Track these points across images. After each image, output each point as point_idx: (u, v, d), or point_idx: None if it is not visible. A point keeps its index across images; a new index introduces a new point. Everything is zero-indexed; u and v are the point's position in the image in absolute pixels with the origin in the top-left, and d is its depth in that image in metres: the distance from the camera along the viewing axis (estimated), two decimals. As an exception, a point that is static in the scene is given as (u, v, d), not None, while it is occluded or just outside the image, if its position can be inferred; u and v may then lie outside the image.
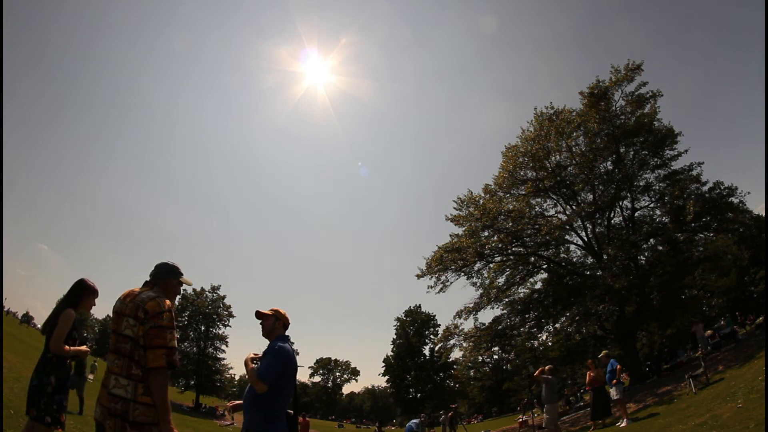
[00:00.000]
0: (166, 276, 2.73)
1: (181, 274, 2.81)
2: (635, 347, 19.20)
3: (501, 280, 20.28)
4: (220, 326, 42.90)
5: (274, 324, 3.16)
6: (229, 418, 23.87)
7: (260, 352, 3.13)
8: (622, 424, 9.48)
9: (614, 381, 10.12)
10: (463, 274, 19.70)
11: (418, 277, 20.08)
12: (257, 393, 2.86)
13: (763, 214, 23.65)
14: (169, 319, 2.46)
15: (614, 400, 10.38)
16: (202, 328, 41.99)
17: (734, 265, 26.14)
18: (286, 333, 3.23)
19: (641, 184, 18.74)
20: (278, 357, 2.92)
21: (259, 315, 3.22)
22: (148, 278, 2.81)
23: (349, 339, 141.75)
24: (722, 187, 16.89)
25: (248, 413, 2.92)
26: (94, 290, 3.65)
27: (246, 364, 3.03)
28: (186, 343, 40.51)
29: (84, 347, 3.61)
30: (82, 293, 3.56)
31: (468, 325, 20.95)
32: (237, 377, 58.15)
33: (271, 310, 3.23)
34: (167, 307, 2.50)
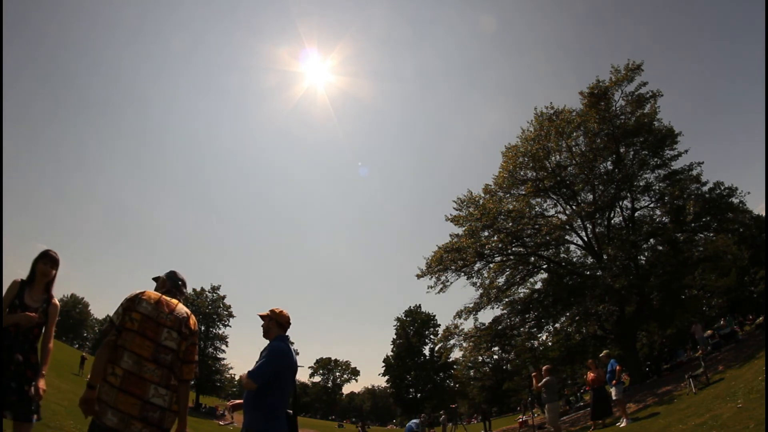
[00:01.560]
0: (182, 286, 2.90)
1: None
2: (635, 347, 19.20)
3: (501, 280, 20.29)
4: (220, 326, 43.03)
5: (269, 324, 3.17)
6: (229, 418, 23.90)
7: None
8: (622, 424, 9.48)
9: (614, 381, 10.13)
10: (463, 274, 19.70)
11: (418, 277, 20.10)
12: (253, 392, 2.87)
13: (763, 214, 23.68)
14: (198, 335, 2.66)
15: (614, 400, 10.39)
16: (202, 328, 42.01)
17: (734, 265, 26.13)
18: (286, 333, 3.24)
19: (641, 184, 18.74)
20: (270, 355, 2.93)
21: (261, 317, 3.28)
22: (159, 280, 2.90)
23: (349, 339, 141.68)
24: (722, 188, 16.90)
25: (248, 413, 2.93)
26: (44, 255, 3.11)
27: (241, 379, 3.03)
28: (186, 343, 40.57)
29: (29, 314, 2.91)
30: (34, 261, 3.11)
31: (468, 325, 20.96)
32: (237, 377, 58.13)
33: (269, 310, 3.24)
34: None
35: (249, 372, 2.83)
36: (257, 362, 2.93)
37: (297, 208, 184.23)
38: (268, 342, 3.14)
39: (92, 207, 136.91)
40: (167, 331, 2.49)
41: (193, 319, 2.61)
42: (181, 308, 2.64)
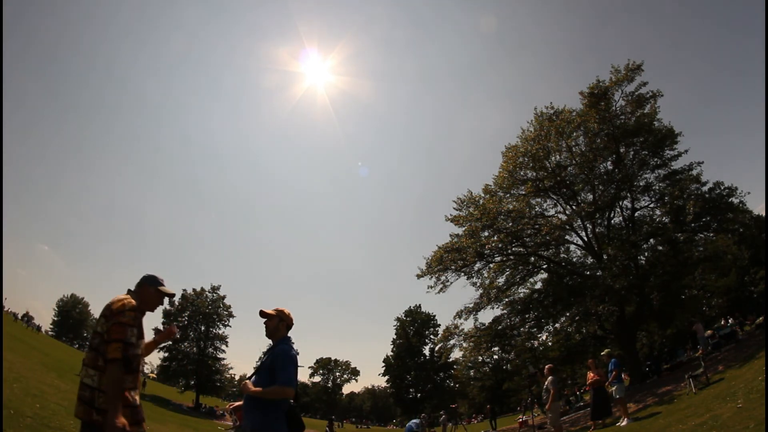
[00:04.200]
0: (143, 283, 2.94)
1: (160, 284, 2.97)
2: (635, 347, 19.20)
3: (501, 280, 20.28)
4: (220, 326, 42.94)
5: (277, 325, 3.14)
6: (236, 420, 23.80)
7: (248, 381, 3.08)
8: (622, 424, 9.49)
9: (609, 381, 10.20)
10: (463, 274, 19.69)
11: (418, 277, 20.09)
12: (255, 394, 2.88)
13: (763, 214, 23.68)
14: (131, 318, 2.66)
15: (614, 400, 10.39)
16: (202, 328, 41.97)
17: (734, 265, 26.15)
18: (289, 334, 3.23)
19: (641, 184, 18.74)
20: (290, 360, 2.96)
21: (262, 314, 3.19)
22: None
23: (349, 339, 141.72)
24: (722, 188, 16.90)
25: (248, 414, 2.93)
26: None
27: (246, 387, 2.95)
28: (186, 343, 40.49)
29: None
30: None
31: (468, 325, 20.97)
32: (237, 377, 58.06)
33: (275, 310, 3.20)
34: (131, 306, 2.70)
35: (283, 381, 2.83)
36: (280, 367, 2.89)
37: (297, 207, 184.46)
38: (272, 343, 3.13)
39: (93, 207, 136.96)
40: (99, 319, 2.71)
41: (119, 302, 2.68)
42: (116, 297, 2.77)
